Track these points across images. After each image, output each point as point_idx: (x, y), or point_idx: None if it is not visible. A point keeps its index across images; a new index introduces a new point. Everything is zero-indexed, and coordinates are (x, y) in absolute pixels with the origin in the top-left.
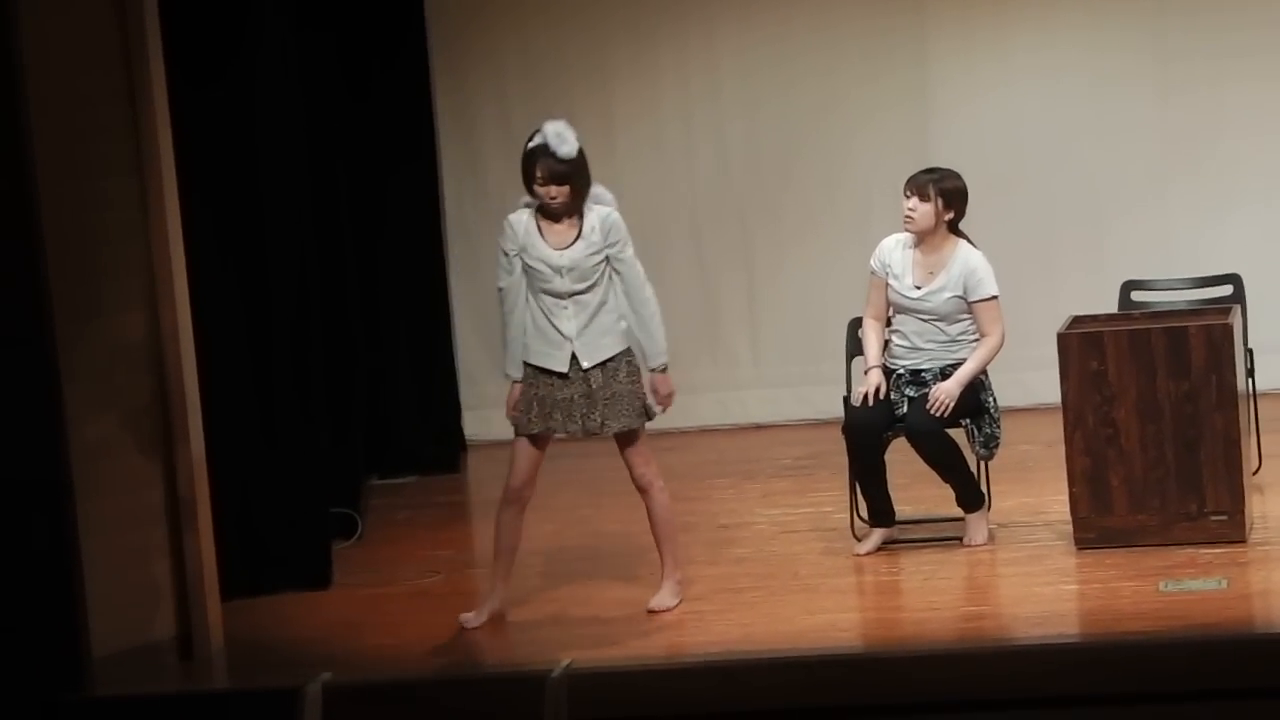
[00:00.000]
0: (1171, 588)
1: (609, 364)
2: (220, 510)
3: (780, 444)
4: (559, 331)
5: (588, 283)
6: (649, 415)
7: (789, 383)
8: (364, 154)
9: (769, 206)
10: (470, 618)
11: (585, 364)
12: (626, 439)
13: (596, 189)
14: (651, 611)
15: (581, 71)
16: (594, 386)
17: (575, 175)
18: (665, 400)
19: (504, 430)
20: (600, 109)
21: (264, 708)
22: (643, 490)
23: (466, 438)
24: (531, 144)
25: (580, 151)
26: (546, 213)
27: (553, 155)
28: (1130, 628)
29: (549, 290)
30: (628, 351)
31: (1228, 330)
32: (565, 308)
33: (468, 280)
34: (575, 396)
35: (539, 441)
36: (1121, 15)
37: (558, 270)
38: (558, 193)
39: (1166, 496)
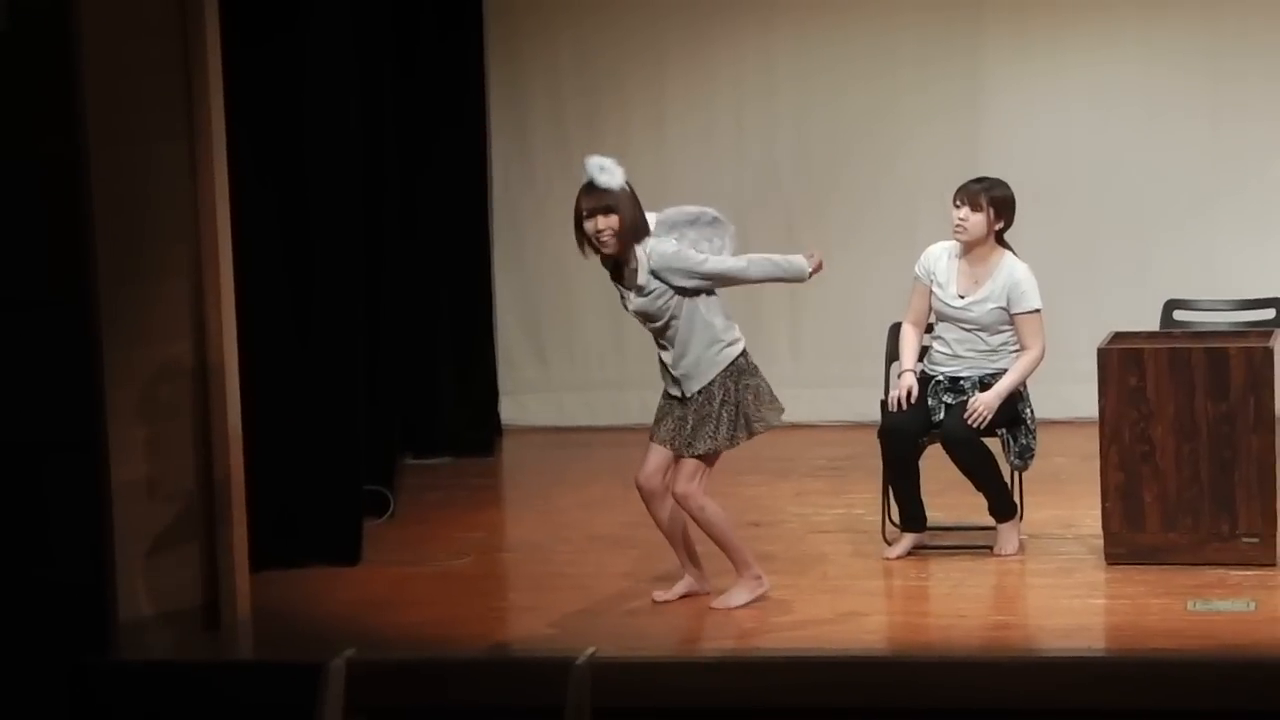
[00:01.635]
0: (1200, 607)
1: (706, 389)
2: (253, 481)
3: (816, 444)
4: (663, 363)
5: (661, 321)
6: (732, 443)
7: (827, 383)
8: (413, 137)
9: (816, 207)
10: (660, 594)
11: (685, 394)
12: (681, 461)
13: (686, 210)
14: (726, 608)
15: (636, 65)
16: (690, 410)
17: (620, 204)
18: (820, 266)
19: (540, 417)
20: (653, 103)
21: (287, 681)
22: (679, 504)
23: (503, 422)
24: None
25: (628, 185)
26: (615, 262)
27: (595, 189)
28: (1157, 645)
29: (646, 328)
30: (726, 373)
31: (1268, 354)
32: (662, 344)
33: (512, 266)
34: (679, 415)
35: (661, 442)
36: (1175, 35)
37: (634, 314)
38: (604, 225)
39: (1199, 516)
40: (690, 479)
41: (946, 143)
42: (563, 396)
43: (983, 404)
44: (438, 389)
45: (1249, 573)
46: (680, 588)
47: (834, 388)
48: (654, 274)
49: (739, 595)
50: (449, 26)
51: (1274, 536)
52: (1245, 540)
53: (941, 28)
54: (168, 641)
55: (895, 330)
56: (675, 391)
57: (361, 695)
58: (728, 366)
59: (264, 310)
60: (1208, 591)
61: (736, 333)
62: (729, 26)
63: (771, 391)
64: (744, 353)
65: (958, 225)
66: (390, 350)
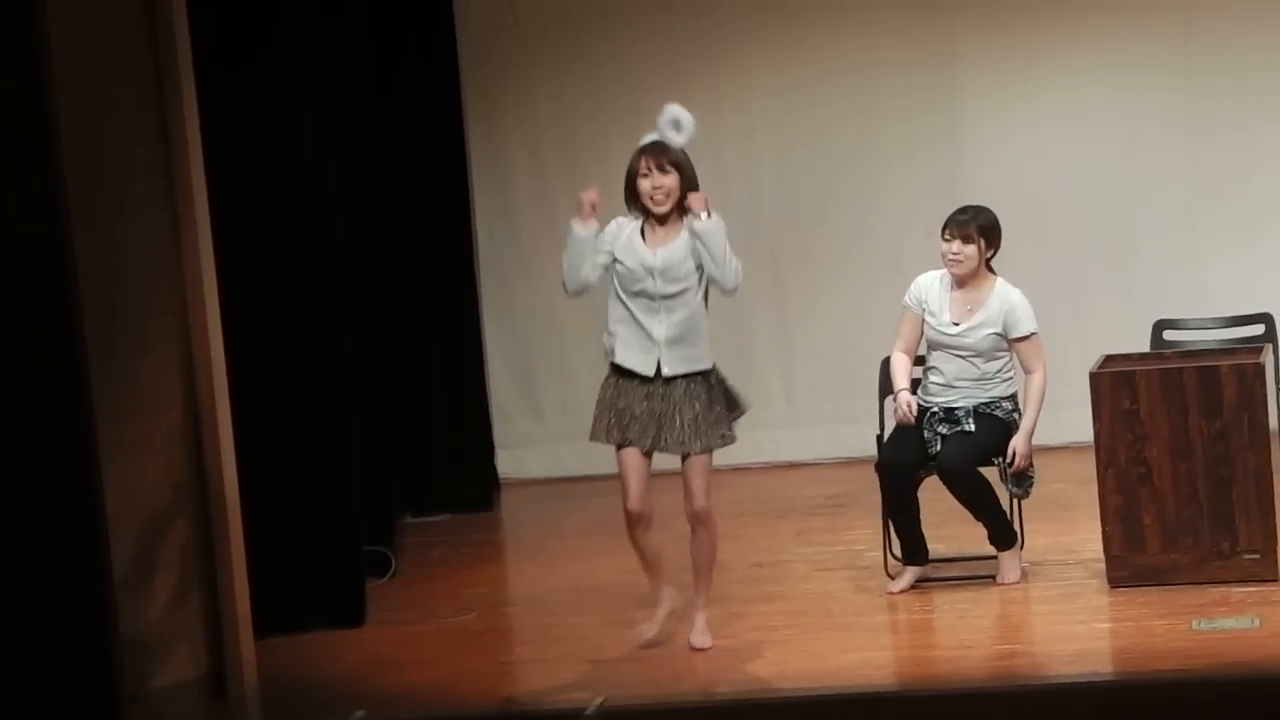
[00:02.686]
0: (1204, 626)
1: (692, 382)
2: (253, 548)
3: (813, 482)
4: (649, 335)
5: (679, 286)
6: (726, 440)
7: (822, 421)
8: (397, 197)
9: (801, 245)
10: (645, 628)
11: (667, 371)
12: (697, 461)
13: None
14: (696, 649)
15: (614, 114)
16: (672, 402)
17: (683, 164)
18: (698, 202)
19: (537, 469)
20: (629, 132)
21: None
22: (695, 523)
23: (500, 476)
24: (642, 141)
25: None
26: (654, 219)
27: (661, 145)
28: (1163, 666)
29: (641, 291)
30: (714, 371)
31: (1259, 369)
32: (656, 311)
33: (500, 319)
34: (654, 410)
35: (644, 457)
36: (1150, 55)
37: (650, 271)
38: (663, 183)
39: (1199, 535)
40: (708, 492)
41: (928, 174)
42: (559, 448)
43: (1020, 454)
44: (433, 446)
45: (1252, 589)
46: (663, 613)
47: (828, 424)
48: (700, 238)
49: (707, 636)
50: (424, 86)
51: (1275, 551)
52: (1246, 557)
53: (917, 61)
54: (175, 713)
55: (886, 364)
56: (648, 369)
57: None
58: (714, 366)
59: (254, 377)
60: (1212, 610)
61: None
62: (705, 70)
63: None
64: None
65: (953, 259)
66: (383, 409)
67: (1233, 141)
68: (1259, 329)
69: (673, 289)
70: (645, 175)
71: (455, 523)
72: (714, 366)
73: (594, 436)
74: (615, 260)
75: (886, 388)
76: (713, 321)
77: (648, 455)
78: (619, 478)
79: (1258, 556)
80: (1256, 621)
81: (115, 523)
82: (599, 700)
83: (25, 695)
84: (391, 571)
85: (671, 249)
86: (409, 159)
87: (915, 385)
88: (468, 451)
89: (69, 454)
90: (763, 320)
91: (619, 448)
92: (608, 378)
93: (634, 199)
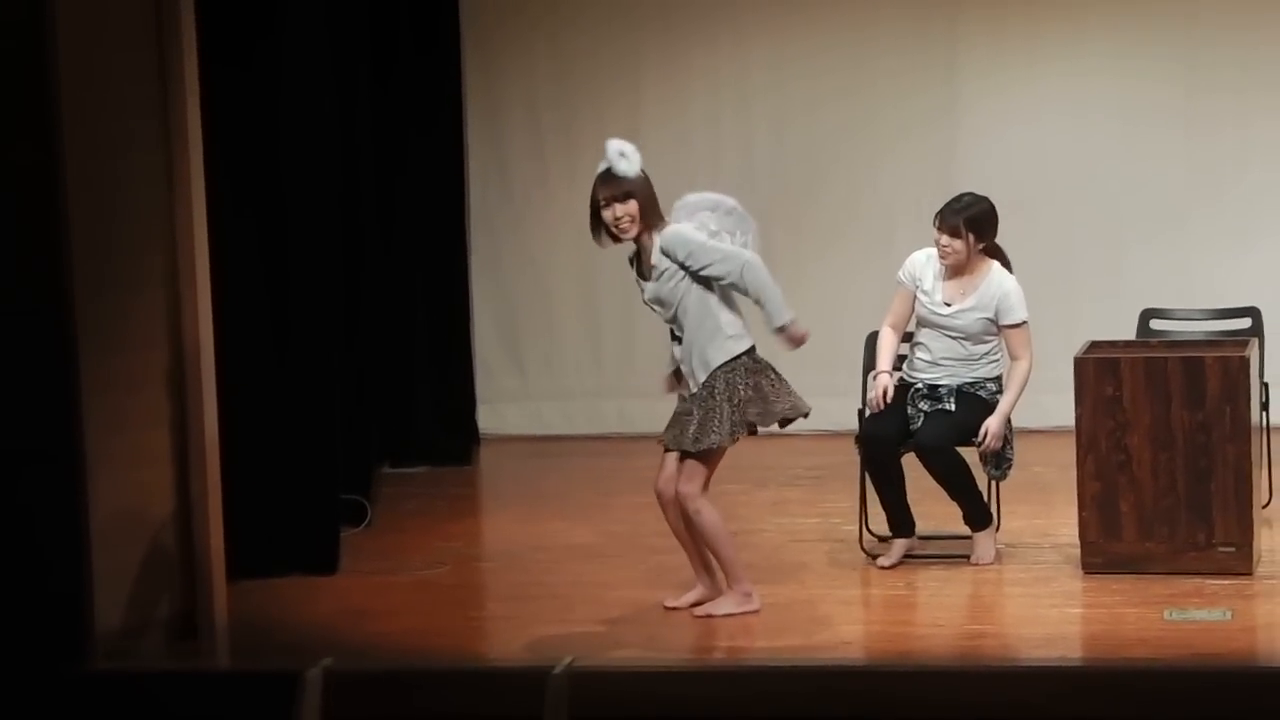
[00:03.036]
0: (1176, 616)
1: (707, 383)
2: (230, 490)
3: (793, 453)
4: (675, 356)
5: (672, 309)
6: (732, 438)
7: (804, 393)
8: (391, 145)
9: (792, 218)
10: (671, 600)
11: (693, 387)
12: (682, 459)
13: (706, 197)
14: (708, 615)
15: (611, 77)
16: (695, 405)
17: (638, 188)
18: (799, 339)
19: (517, 425)
20: (629, 112)
21: (264, 690)
22: (680, 503)
23: (480, 431)
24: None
25: (644, 173)
26: (637, 250)
27: (612, 175)
28: (1133, 654)
29: (662, 318)
30: (728, 367)
31: (1244, 363)
32: (672, 332)
33: (489, 275)
34: (685, 414)
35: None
36: (1150, 47)
37: (649, 302)
38: (622, 212)
39: (1175, 525)
40: (691, 479)
41: (923, 154)
42: (541, 406)
43: (992, 435)
44: (415, 398)
45: (1225, 582)
46: (692, 595)
47: (811, 396)
48: (664, 252)
49: (724, 605)
50: (425, 38)
51: (1250, 546)
52: (1222, 549)
53: (917, 40)
54: (145, 650)
55: (873, 339)
56: (686, 390)
57: (338, 705)
58: (729, 361)
59: (241, 320)
60: (1184, 601)
61: (743, 330)
62: (704, 36)
63: (787, 392)
64: (750, 351)
65: (943, 250)
66: (368, 359)
67: (1230, 135)
68: (1245, 322)
69: (670, 313)
70: (605, 207)
71: (433, 475)
72: (739, 358)
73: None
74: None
75: (870, 362)
76: None
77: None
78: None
79: (1233, 550)
80: (1228, 615)
81: (95, 458)
82: (567, 660)
83: (1, 627)
84: (367, 521)
85: (657, 283)
86: (405, 113)
87: (901, 361)
88: (449, 405)
89: (51, 387)
90: None
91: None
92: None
93: (600, 228)
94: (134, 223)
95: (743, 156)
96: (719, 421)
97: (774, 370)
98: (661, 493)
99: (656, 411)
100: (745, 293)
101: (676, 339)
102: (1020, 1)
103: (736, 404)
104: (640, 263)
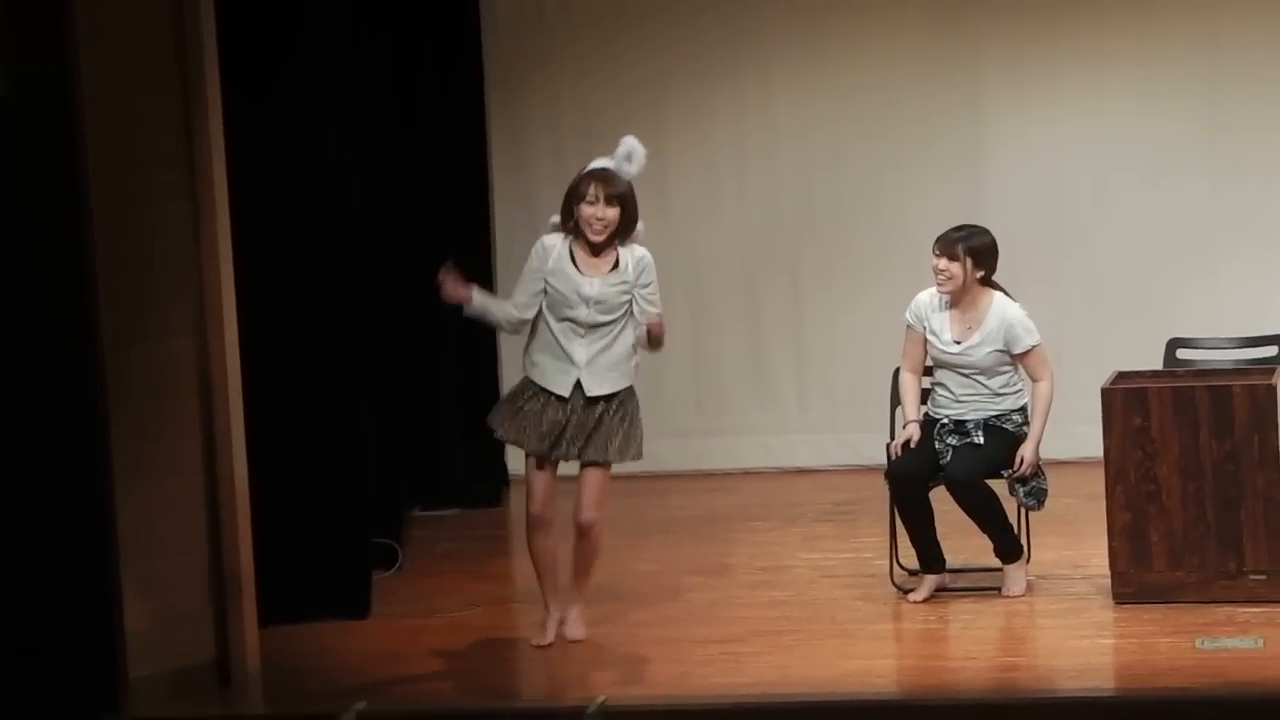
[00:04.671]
0: (1208, 645)
1: (612, 399)
2: (261, 536)
3: (823, 488)
4: (568, 356)
5: (610, 317)
6: (624, 456)
7: (834, 428)
8: (415, 183)
9: (820, 255)
10: (538, 638)
11: (590, 393)
12: (596, 473)
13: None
14: (571, 641)
15: (636, 119)
16: (593, 417)
17: (628, 200)
18: (658, 328)
19: None
20: (654, 148)
21: None
22: (581, 533)
23: (510, 472)
24: (591, 165)
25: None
26: (584, 242)
27: (614, 176)
28: (1166, 684)
29: (570, 318)
30: (631, 390)
31: (1272, 390)
32: (581, 336)
33: None
34: (572, 422)
35: (551, 465)
36: (1174, 77)
37: (584, 299)
38: (607, 215)
39: (1206, 554)
40: (602, 503)
41: (949, 190)
42: None
43: (1027, 461)
44: (445, 440)
45: (1257, 610)
46: (554, 625)
47: (840, 432)
48: (637, 268)
49: (581, 623)
50: (448, 78)
51: None
52: (1252, 577)
53: (940, 82)
54: (178, 698)
55: (898, 374)
56: (564, 390)
57: None
58: (631, 386)
59: (269, 366)
60: (1216, 629)
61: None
62: (729, 82)
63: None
64: None
65: (941, 275)
66: (396, 402)
67: (1254, 162)
68: (1272, 350)
69: (603, 319)
70: (591, 203)
71: (464, 517)
72: (632, 387)
73: (493, 422)
74: (546, 283)
75: (898, 398)
76: (727, 326)
77: (554, 464)
78: (525, 482)
79: (1264, 577)
80: (1260, 642)
81: (125, 507)
82: (600, 700)
83: (33, 677)
84: (398, 564)
85: (607, 281)
86: (431, 155)
87: (926, 396)
88: (479, 447)
89: (82, 439)
90: (778, 327)
91: (526, 453)
92: (526, 379)
93: (569, 219)
94: (161, 273)
95: (770, 200)
96: (638, 436)
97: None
98: (543, 516)
99: (687, 450)
100: (638, 336)
101: (577, 336)
102: (1041, 40)
103: (638, 427)
104: (579, 256)
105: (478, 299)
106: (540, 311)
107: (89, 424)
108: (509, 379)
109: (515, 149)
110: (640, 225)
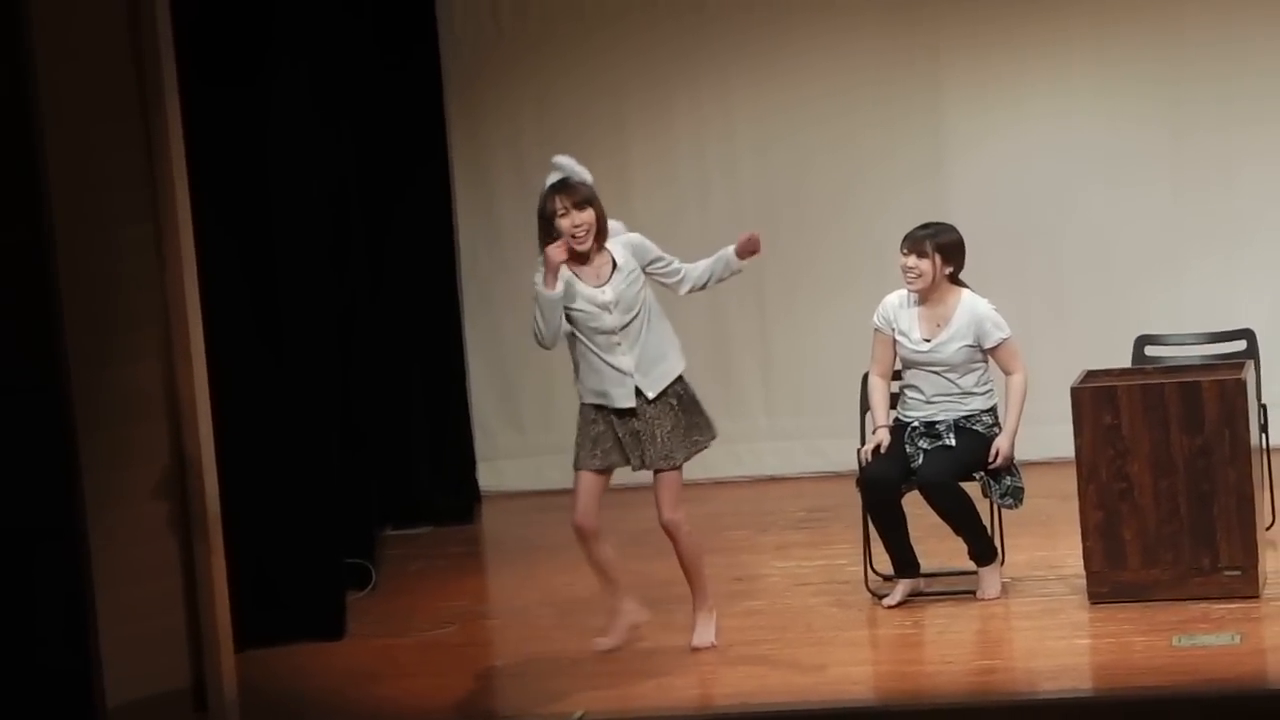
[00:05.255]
0: (1184, 643)
1: (666, 393)
2: (234, 560)
3: (794, 496)
4: (617, 369)
5: (633, 312)
6: (700, 446)
7: (803, 435)
8: (377, 200)
9: (784, 260)
10: (603, 641)
11: (650, 394)
12: (665, 477)
13: (613, 223)
14: (695, 649)
15: (595, 116)
16: (649, 419)
17: (594, 199)
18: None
19: (518, 481)
20: (615, 159)
21: None
22: (669, 534)
23: (481, 488)
24: (546, 187)
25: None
26: (575, 259)
27: (572, 183)
28: (1143, 682)
29: (600, 329)
30: (680, 378)
31: (1241, 385)
32: (618, 343)
33: (482, 330)
34: (634, 430)
35: (600, 475)
36: (1134, 72)
37: (605, 306)
38: (582, 220)
39: (1180, 551)
40: (678, 503)
41: (911, 190)
42: (540, 460)
43: (1002, 454)
44: (414, 458)
45: (1232, 606)
46: (623, 624)
47: (809, 439)
48: (632, 255)
49: (711, 628)
50: (408, 92)
51: (1255, 568)
52: (1227, 573)
53: (900, 78)
54: None
55: (867, 380)
56: (627, 401)
57: None
58: (682, 374)
59: (237, 387)
60: (1192, 626)
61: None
62: (688, 93)
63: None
64: None
65: (908, 273)
66: (365, 421)
67: (1215, 158)
68: (1240, 345)
69: (628, 317)
70: (564, 215)
71: (435, 535)
72: (682, 372)
73: (578, 466)
74: (565, 309)
75: (867, 404)
76: (692, 333)
77: (605, 474)
78: (573, 493)
79: (1238, 573)
80: (1237, 638)
81: (97, 534)
82: (578, 714)
83: (7, 706)
84: (372, 584)
85: (617, 280)
86: (392, 170)
87: (894, 400)
88: (448, 464)
89: (51, 464)
90: (743, 334)
91: (583, 469)
92: (584, 407)
93: (551, 239)
94: (127, 295)
95: (732, 208)
96: (688, 431)
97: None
98: (586, 526)
99: None
100: (695, 279)
101: (616, 346)
102: (1002, 44)
103: (696, 416)
104: (579, 272)
105: (558, 295)
106: (574, 338)
107: (57, 448)
108: (478, 395)
109: (476, 163)
110: (614, 223)
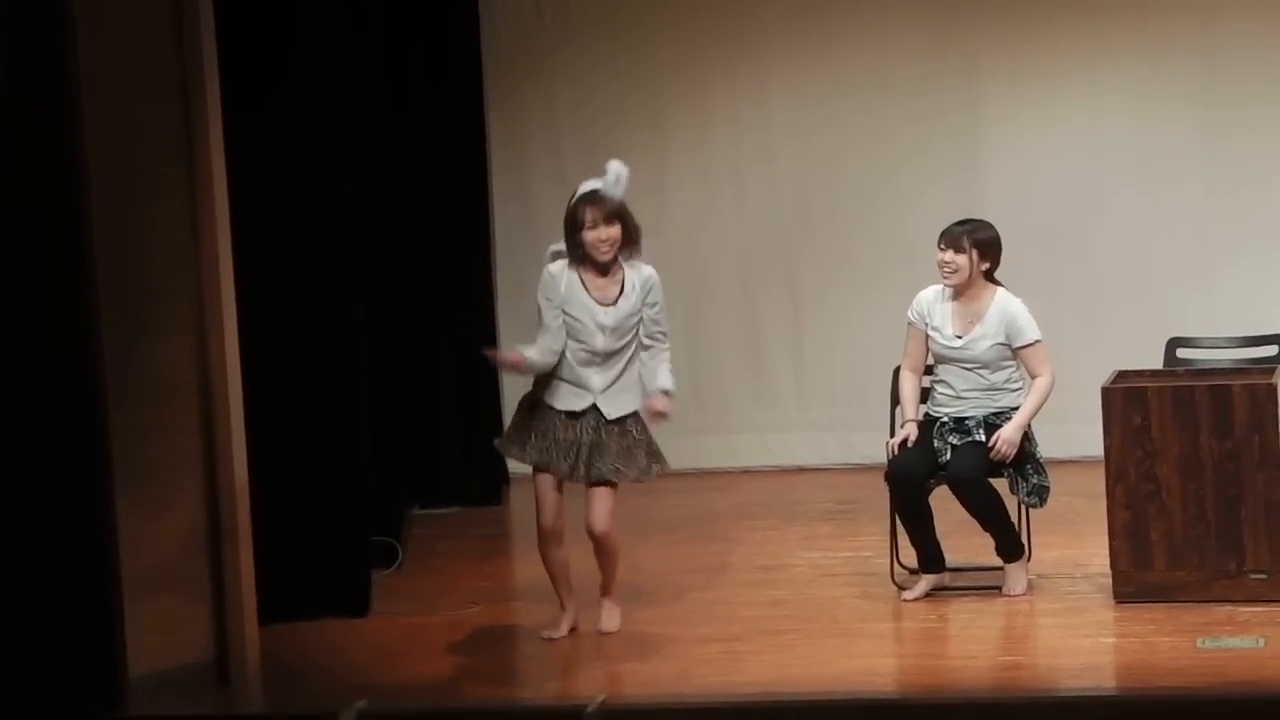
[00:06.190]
0: (1209, 645)
1: (625, 421)
2: (261, 535)
3: (822, 487)
4: (585, 384)
5: (624, 341)
6: (650, 474)
7: (833, 426)
8: (413, 183)
9: (817, 253)
10: (551, 631)
11: (608, 416)
12: (602, 490)
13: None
14: (603, 633)
15: (632, 106)
16: (604, 437)
17: (625, 215)
18: (664, 414)
19: None
20: (651, 147)
21: None
22: (595, 540)
23: (509, 470)
24: (580, 190)
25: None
26: (591, 266)
27: (605, 196)
28: (1166, 683)
29: (586, 347)
30: (636, 415)
31: (1271, 390)
32: (599, 364)
33: (514, 312)
34: (583, 443)
35: (558, 479)
36: (1170, 74)
37: (601, 328)
38: (609, 235)
39: (1206, 553)
40: (610, 514)
41: (945, 187)
42: None
43: (1005, 442)
44: (444, 438)
45: (1257, 609)
46: (567, 622)
47: (839, 430)
48: (644, 289)
49: (616, 616)
50: (446, 76)
51: None
52: (1253, 577)
53: (937, 76)
54: (178, 697)
55: (899, 373)
56: (580, 407)
57: None
58: (637, 412)
59: (267, 365)
60: (1217, 629)
61: None
62: (724, 69)
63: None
64: None
65: (945, 268)
66: (395, 400)
67: (1251, 163)
68: (1272, 350)
69: (617, 345)
70: (592, 227)
71: (463, 516)
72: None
73: (504, 449)
74: (563, 311)
75: (898, 396)
76: (725, 323)
77: (560, 480)
78: (534, 496)
79: (1264, 577)
80: (1261, 641)
81: (125, 506)
82: (600, 698)
83: (34, 676)
84: (399, 562)
85: (620, 308)
86: (429, 156)
87: (926, 395)
88: (478, 445)
89: (81, 439)
90: (776, 325)
91: (536, 469)
92: (531, 396)
93: (576, 247)
94: (160, 271)
95: (768, 199)
96: (641, 455)
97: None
98: (553, 529)
99: (684, 447)
100: (646, 359)
101: (593, 363)
102: (1038, 42)
103: (648, 444)
104: (589, 283)
105: (528, 358)
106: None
107: (88, 423)
108: (508, 377)
109: (513, 148)
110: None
